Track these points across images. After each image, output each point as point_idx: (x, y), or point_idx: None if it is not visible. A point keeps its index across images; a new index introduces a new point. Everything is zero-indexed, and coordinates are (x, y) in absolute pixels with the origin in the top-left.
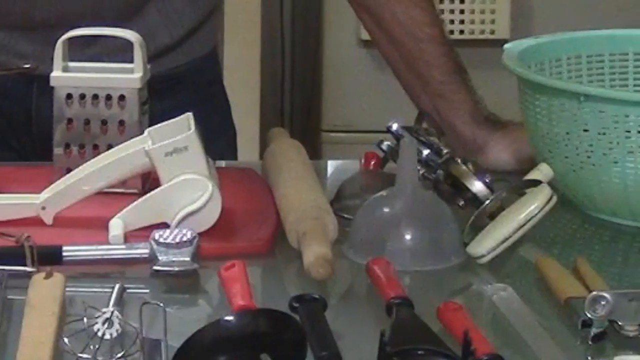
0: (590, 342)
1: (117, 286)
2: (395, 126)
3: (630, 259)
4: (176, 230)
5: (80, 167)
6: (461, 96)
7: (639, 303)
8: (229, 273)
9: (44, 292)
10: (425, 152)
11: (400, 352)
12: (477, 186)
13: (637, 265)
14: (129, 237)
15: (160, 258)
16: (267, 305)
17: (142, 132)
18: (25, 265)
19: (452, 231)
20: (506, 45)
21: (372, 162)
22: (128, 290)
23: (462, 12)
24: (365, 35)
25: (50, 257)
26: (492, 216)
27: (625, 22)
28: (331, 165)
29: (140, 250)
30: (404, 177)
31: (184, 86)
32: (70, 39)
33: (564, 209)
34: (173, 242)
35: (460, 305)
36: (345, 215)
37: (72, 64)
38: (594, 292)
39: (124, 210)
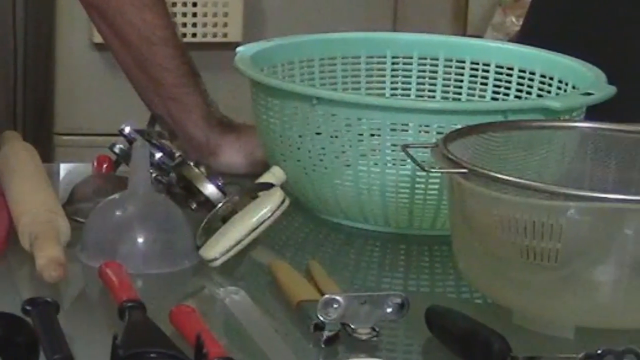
0: (322, 345)
1: None
2: (127, 129)
3: (362, 262)
4: None
5: None
6: (193, 99)
7: (371, 306)
8: None
9: None
10: (158, 155)
11: (133, 355)
12: (210, 189)
13: (369, 269)
14: None
15: None
16: None
17: None
18: None
19: (185, 234)
20: (239, 49)
21: (105, 165)
22: None
23: (194, 15)
24: (98, 38)
25: None
26: (225, 219)
27: (357, 25)
28: (64, 168)
29: None
30: (136, 180)
31: None
32: None
33: (297, 212)
34: None
35: (192, 308)
36: (78, 219)
37: None
38: (326, 296)
39: None
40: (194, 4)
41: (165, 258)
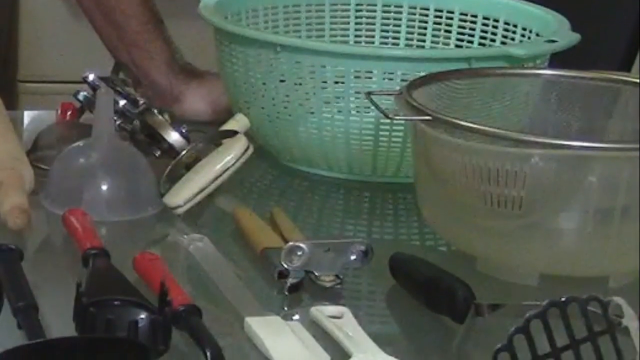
0: (286, 293)
1: None
2: (91, 76)
3: (325, 210)
4: None
5: None
6: (157, 46)
7: (335, 253)
8: None
9: None
10: (122, 102)
11: (97, 302)
12: (174, 136)
13: (333, 216)
14: None
15: None
16: None
17: None
18: None
19: (149, 182)
20: None
21: (69, 113)
22: None
23: None
24: None
25: None
26: (189, 167)
27: None
28: (27, 115)
29: None
30: (100, 128)
31: None
32: None
33: (261, 160)
34: None
35: (156, 256)
36: (42, 166)
37: None
38: (290, 243)
39: None
40: None
41: (129, 205)
